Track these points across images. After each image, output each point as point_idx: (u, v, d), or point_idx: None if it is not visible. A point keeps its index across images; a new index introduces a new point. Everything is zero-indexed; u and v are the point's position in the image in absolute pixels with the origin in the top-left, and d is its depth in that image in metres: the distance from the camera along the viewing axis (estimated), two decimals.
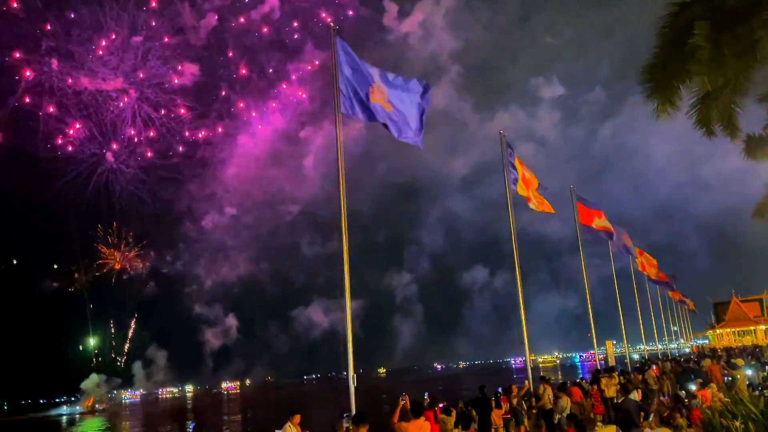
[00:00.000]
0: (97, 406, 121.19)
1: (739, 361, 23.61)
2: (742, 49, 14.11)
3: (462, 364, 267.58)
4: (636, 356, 59.13)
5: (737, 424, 5.51)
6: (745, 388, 12.31)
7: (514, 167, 17.39)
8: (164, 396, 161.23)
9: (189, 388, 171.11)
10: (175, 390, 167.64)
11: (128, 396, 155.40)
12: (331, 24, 11.26)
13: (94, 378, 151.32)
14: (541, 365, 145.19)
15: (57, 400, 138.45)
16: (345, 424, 8.90)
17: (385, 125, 11.36)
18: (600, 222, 24.97)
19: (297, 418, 10.75)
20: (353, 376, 9.95)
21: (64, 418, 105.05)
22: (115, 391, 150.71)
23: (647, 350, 65.24)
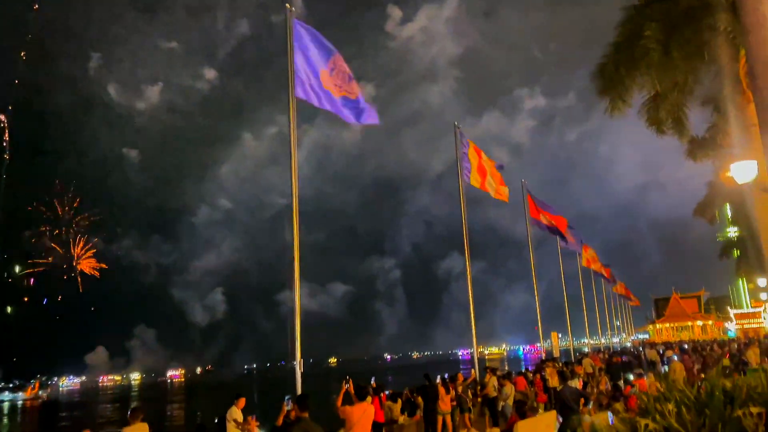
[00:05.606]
0: (40, 393, 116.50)
1: (668, 353, 24.83)
2: (690, 51, 14.58)
3: (416, 355, 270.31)
4: (586, 349, 60.87)
5: (670, 407, 5.64)
6: (681, 377, 12.79)
7: (467, 158, 17.56)
8: (104, 383, 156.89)
9: (135, 376, 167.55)
10: (119, 377, 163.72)
11: (67, 383, 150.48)
12: (288, 5, 10.93)
13: (101, 352, 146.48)
14: (487, 357, 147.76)
15: None
16: (287, 407, 8.81)
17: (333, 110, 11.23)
18: (546, 219, 25.47)
19: (242, 401, 10.63)
20: (299, 361, 9.87)
21: (6, 404, 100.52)
22: (55, 378, 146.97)
23: (590, 344, 67.25)
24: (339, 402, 7.79)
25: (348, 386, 8.00)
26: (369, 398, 13.50)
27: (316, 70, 10.97)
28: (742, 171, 9.86)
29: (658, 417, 5.64)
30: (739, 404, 5.63)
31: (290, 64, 10.73)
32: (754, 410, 5.25)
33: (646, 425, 5.46)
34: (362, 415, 7.44)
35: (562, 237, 27.36)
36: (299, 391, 9.23)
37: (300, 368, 9.58)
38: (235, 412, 10.39)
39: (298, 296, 10.05)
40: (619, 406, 9.15)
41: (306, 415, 6.44)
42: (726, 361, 21.46)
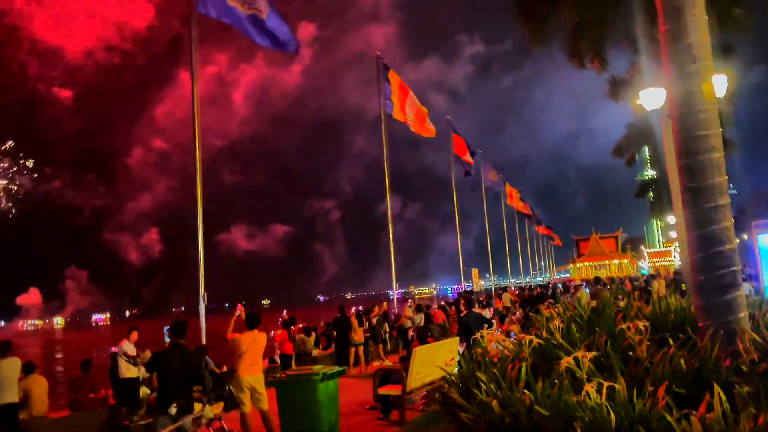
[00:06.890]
0: None
1: (577, 280, 26.42)
2: None
3: (349, 296, 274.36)
4: (513, 287, 63.10)
5: (557, 323, 5.51)
6: (582, 302, 13.14)
7: (389, 90, 16.97)
8: (24, 328, 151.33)
9: (58, 321, 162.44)
10: (40, 322, 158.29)
11: None
12: None
13: (34, 294, 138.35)
14: (417, 296, 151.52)
15: None
16: (167, 339, 8.44)
17: (243, 31, 10.38)
18: (467, 158, 25.39)
19: (134, 335, 10.21)
20: (203, 294, 9.49)
21: None
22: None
23: (515, 283, 69.63)
24: (229, 330, 7.39)
25: (240, 314, 7.57)
26: (279, 330, 13.21)
27: None
28: (650, 98, 9.79)
29: (544, 333, 5.54)
30: (628, 320, 5.60)
31: None
32: (639, 324, 5.21)
33: (530, 341, 5.35)
34: (251, 343, 7.07)
35: (471, 173, 27.37)
36: (203, 326, 8.99)
37: (204, 302, 9.29)
38: (127, 346, 9.94)
39: (200, 221, 9.57)
40: (515, 328, 9.19)
41: (182, 341, 6.06)
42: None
